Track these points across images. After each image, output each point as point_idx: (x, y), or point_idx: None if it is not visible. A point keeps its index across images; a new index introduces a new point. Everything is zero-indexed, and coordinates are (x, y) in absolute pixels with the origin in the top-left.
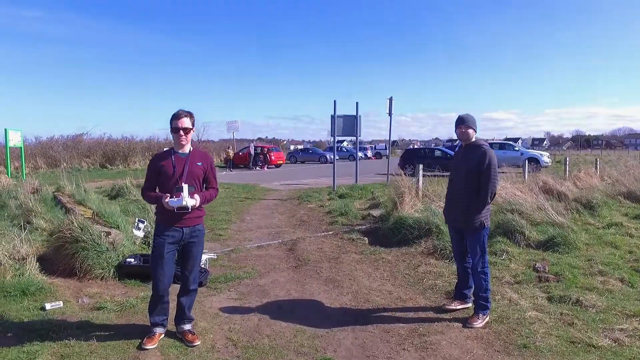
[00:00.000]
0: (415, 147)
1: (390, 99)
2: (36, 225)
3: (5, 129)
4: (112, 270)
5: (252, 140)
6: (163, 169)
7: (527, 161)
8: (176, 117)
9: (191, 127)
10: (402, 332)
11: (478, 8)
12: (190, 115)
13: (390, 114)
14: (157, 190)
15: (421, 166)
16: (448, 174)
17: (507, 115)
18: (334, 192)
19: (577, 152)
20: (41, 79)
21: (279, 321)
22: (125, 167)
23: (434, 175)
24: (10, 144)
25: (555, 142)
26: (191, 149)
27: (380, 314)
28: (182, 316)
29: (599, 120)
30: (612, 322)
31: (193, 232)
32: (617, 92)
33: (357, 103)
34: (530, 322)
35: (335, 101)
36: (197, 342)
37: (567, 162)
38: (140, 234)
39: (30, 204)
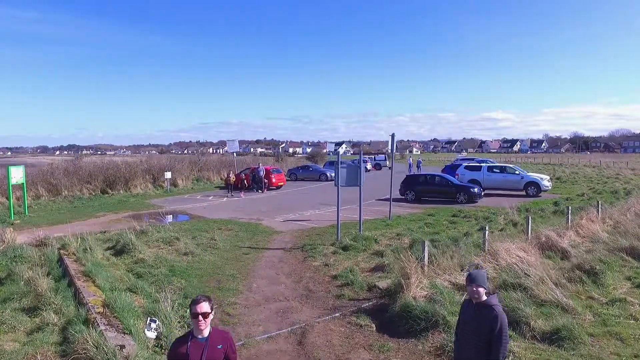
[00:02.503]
0: (416, 173)
1: (392, 135)
2: (47, 319)
3: (8, 167)
4: None
5: (255, 165)
6: (182, 356)
7: (527, 186)
8: (195, 302)
9: (210, 311)
10: None
11: (476, 7)
12: (208, 299)
13: (392, 150)
14: None
15: (427, 247)
16: (447, 201)
17: (506, 115)
18: (338, 243)
19: (575, 154)
20: (36, 79)
21: None
22: (126, 191)
23: (435, 202)
24: (13, 181)
25: (554, 144)
26: (210, 330)
27: None
28: None
29: (597, 119)
30: None
31: None
32: (616, 91)
33: (360, 152)
34: None
35: (338, 153)
36: None
37: (569, 212)
38: (153, 335)
39: (39, 286)
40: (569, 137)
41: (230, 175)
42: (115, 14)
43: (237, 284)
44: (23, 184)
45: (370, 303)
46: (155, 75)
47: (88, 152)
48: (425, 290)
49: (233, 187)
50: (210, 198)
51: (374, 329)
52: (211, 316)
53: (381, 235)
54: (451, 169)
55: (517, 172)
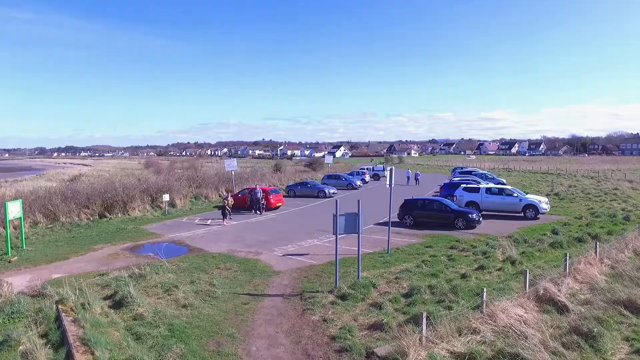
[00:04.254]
0: (414, 198)
1: (391, 171)
2: None
3: (5, 203)
4: None
5: (253, 185)
6: None
7: (525, 209)
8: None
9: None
10: None
11: (475, 8)
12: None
13: (390, 183)
14: None
15: (425, 318)
16: (446, 226)
17: (505, 114)
18: (337, 290)
19: (573, 157)
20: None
21: None
22: (124, 214)
23: (433, 228)
24: (10, 216)
25: (552, 146)
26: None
27: None
28: None
29: (595, 119)
30: None
31: None
32: (614, 91)
33: (358, 201)
34: None
35: (337, 200)
36: None
37: (567, 258)
38: None
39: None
40: (567, 139)
41: (229, 199)
42: (113, 15)
43: (236, 347)
44: (20, 218)
45: None
46: (153, 76)
47: (86, 153)
48: None
49: (230, 211)
50: (209, 222)
51: None
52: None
53: (379, 276)
54: (450, 187)
55: (515, 195)
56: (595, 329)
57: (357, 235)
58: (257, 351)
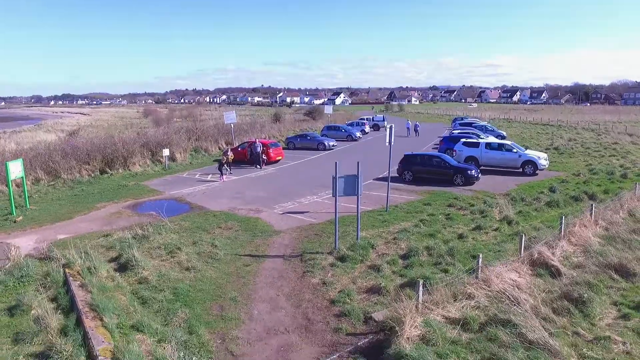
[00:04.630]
0: (414, 153)
1: (391, 128)
2: None
3: (6, 163)
4: None
5: (252, 139)
6: None
7: (524, 165)
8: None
9: None
10: None
11: None
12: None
13: (390, 141)
14: None
15: (421, 285)
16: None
17: (507, 60)
18: (336, 252)
19: (575, 106)
20: (29, 26)
21: None
22: (125, 169)
23: (432, 184)
24: (12, 176)
25: (554, 95)
26: None
27: None
28: None
29: (599, 66)
30: None
31: None
32: (619, 38)
33: (357, 163)
34: None
35: (336, 162)
36: None
37: (562, 220)
38: None
39: (48, 325)
40: (570, 87)
41: (229, 153)
42: None
43: (239, 310)
44: (22, 177)
45: (367, 340)
46: (151, 21)
47: (83, 102)
48: (419, 329)
49: (230, 165)
50: (209, 177)
51: None
52: None
53: (378, 236)
54: (449, 141)
55: (514, 151)
56: (586, 295)
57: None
58: (259, 315)
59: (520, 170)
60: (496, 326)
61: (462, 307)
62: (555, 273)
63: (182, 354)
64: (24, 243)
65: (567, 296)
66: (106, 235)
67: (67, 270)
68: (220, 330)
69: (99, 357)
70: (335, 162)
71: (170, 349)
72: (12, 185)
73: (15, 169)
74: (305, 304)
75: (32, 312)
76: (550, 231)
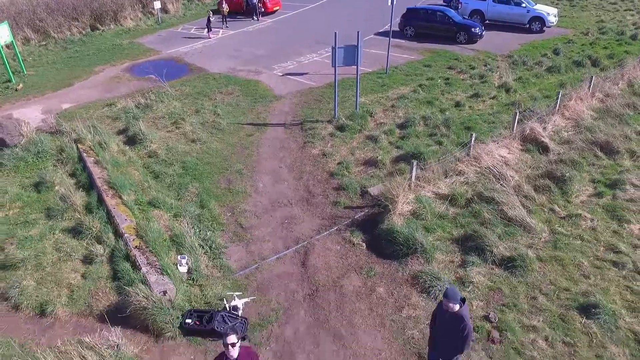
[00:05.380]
0: (417, 7)
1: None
2: (94, 252)
3: None
4: (177, 331)
5: None
6: None
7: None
8: (226, 336)
9: (236, 341)
10: None
11: None
12: (235, 332)
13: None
14: None
15: (415, 165)
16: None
17: None
18: (335, 120)
19: None
20: None
21: None
22: (117, 24)
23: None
24: (1, 42)
25: None
26: (240, 351)
27: None
28: None
29: None
30: None
31: None
32: None
33: (358, 32)
34: None
35: (335, 33)
36: None
37: (559, 95)
38: (184, 269)
39: (74, 203)
40: None
41: (224, 5)
42: None
43: (245, 183)
44: (12, 42)
45: (363, 213)
46: None
47: None
48: (410, 205)
49: (225, 18)
50: (205, 32)
51: (364, 247)
52: (238, 343)
53: (376, 102)
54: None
55: (523, 5)
56: (568, 174)
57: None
58: (264, 187)
59: (527, 26)
60: (480, 203)
61: (452, 184)
62: (544, 149)
63: (198, 229)
64: (31, 114)
65: (550, 175)
66: (109, 105)
67: (79, 145)
68: (229, 204)
69: (125, 235)
70: (335, 32)
71: (185, 224)
72: (3, 50)
73: (3, 33)
74: (306, 176)
75: (56, 188)
76: (546, 102)
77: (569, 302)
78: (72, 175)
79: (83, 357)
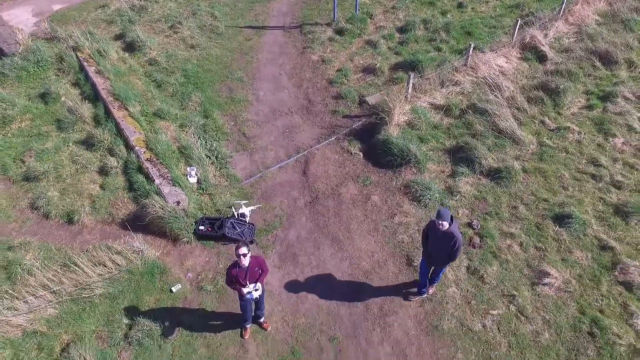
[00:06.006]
0: None
1: None
2: (109, 164)
3: None
4: (192, 236)
5: None
6: (234, 275)
7: None
8: (237, 247)
9: (247, 252)
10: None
11: None
12: (246, 245)
13: None
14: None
15: (412, 78)
16: None
17: None
18: (334, 23)
19: None
20: None
21: (309, 303)
22: None
23: None
24: None
25: None
26: (250, 260)
27: (365, 287)
28: (259, 317)
29: None
30: (488, 308)
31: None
32: None
33: None
34: (446, 302)
35: None
36: (270, 328)
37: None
38: (194, 180)
39: (82, 115)
40: None
41: None
42: None
43: (246, 92)
44: None
45: (360, 122)
46: None
47: None
48: (406, 116)
49: None
50: None
51: (361, 156)
52: (249, 254)
53: (377, 3)
54: None
55: None
56: (562, 86)
57: None
58: (264, 96)
59: None
60: (474, 114)
61: (448, 94)
62: (542, 58)
63: (204, 140)
64: (22, 16)
65: (544, 86)
66: (103, 6)
67: (78, 54)
68: (231, 113)
69: (136, 147)
70: None
71: (192, 135)
72: None
73: None
74: (306, 83)
75: (62, 99)
76: (551, 5)
77: (546, 212)
78: (76, 85)
79: (113, 260)
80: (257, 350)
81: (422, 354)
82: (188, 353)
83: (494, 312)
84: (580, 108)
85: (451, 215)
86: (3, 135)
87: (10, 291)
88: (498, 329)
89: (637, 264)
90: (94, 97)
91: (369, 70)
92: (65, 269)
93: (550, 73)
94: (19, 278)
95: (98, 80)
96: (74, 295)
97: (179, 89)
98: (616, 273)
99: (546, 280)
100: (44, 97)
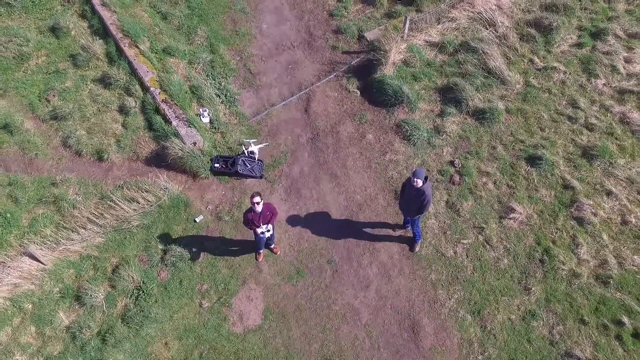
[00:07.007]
0: None
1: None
2: (127, 104)
3: None
4: (209, 173)
5: None
6: (249, 218)
7: None
8: (252, 197)
9: (260, 200)
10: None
11: None
12: (259, 195)
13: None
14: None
15: (408, 21)
16: None
17: None
18: None
19: None
20: None
21: (311, 231)
22: None
23: None
24: None
25: None
26: (263, 206)
27: (358, 218)
28: (270, 244)
29: None
30: (460, 238)
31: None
32: None
33: None
34: (425, 231)
35: None
36: (279, 252)
37: None
38: (207, 119)
39: (95, 53)
40: None
41: None
42: None
43: (250, 24)
44: None
45: (359, 59)
46: None
47: None
48: (402, 55)
49: None
50: None
51: (359, 94)
52: (262, 202)
53: None
54: None
55: None
56: (555, 23)
57: None
58: (267, 29)
59: None
60: (466, 53)
61: (444, 30)
62: None
63: (212, 79)
64: None
65: (537, 24)
66: None
67: None
68: (236, 47)
69: (151, 89)
70: None
71: (201, 72)
72: None
73: None
74: (307, 16)
75: (72, 33)
76: None
77: (521, 153)
78: (83, 17)
79: (144, 198)
80: (269, 270)
81: (403, 274)
82: (213, 273)
83: (465, 241)
84: (570, 46)
85: (426, 176)
86: (24, 72)
87: (62, 223)
88: (466, 255)
89: (591, 202)
90: (103, 32)
91: (368, 1)
92: (104, 204)
93: (546, 7)
94: (66, 212)
95: (105, 14)
96: (115, 227)
97: (184, 22)
98: (572, 210)
99: (512, 215)
100: (54, 31)
